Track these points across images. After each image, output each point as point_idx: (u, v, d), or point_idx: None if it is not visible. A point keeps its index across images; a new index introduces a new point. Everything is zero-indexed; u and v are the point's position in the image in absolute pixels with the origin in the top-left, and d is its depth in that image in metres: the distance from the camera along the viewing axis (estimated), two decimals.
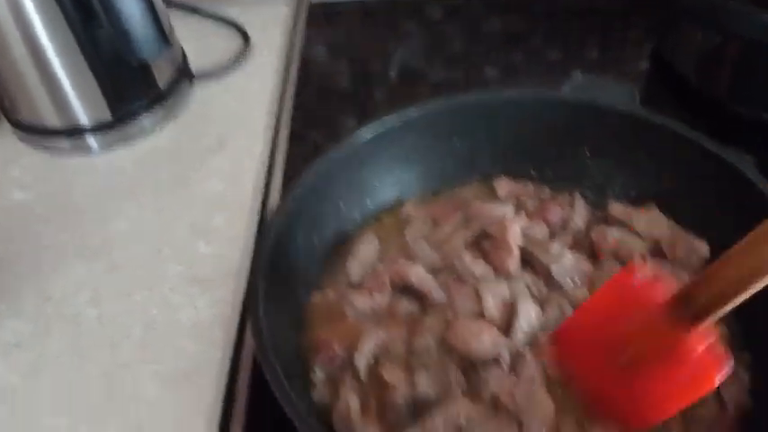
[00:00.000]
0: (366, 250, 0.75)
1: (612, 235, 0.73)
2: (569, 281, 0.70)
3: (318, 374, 0.65)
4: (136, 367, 0.71)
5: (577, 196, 0.78)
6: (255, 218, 0.86)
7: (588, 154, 0.80)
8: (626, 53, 1.12)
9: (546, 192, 0.80)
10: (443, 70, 1.11)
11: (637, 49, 1.12)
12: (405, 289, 0.70)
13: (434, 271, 0.71)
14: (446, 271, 0.72)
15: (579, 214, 0.76)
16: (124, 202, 0.88)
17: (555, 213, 0.76)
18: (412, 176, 0.81)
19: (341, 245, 0.76)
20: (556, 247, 0.71)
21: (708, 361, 0.50)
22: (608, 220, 0.76)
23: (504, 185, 0.81)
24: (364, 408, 0.60)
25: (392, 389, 0.61)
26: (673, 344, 0.50)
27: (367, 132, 0.77)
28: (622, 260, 0.71)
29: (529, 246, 0.72)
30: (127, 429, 0.66)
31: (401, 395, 0.61)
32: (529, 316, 0.66)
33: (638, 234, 0.73)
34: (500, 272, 0.71)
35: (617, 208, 0.76)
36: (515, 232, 0.72)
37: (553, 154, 0.81)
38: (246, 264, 0.78)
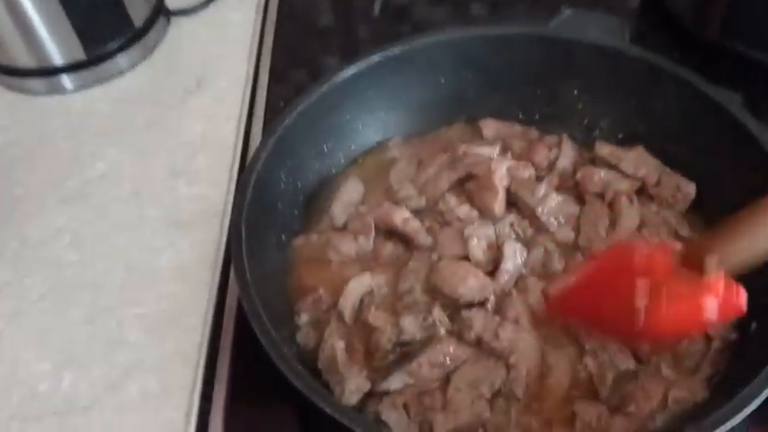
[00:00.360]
0: (350, 193, 0.74)
1: (599, 176, 0.72)
2: (554, 222, 0.70)
3: (303, 318, 0.65)
4: (119, 311, 0.70)
5: (565, 137, 0.76)
6: (237, 159, 0.84)
7: (576, 93, 0.78)
8: None
9: (533, 133, 0.79)
10: (428, 7, 1.08)
11: None
12: (389, 232, 0.70)
13: (419, 213, 0.71)
14: (431, 213, 0.71)
15: (566, 155, 0.75)
16: (101, 143, 0.86)
17: (542, 154, 0.75)
18: (396, 117, 0.80)
19: (324, 188, 0.75)
20: (542, 188, 0.71)
21: (729, 292, 0.51)
22: (595, 162, 0.75)
23: (490, 126, 0.79)
24: (350, 351, 0.61)
25: (378, 332, 0.61)
26: (691, 290, 0.51)
27: (350, 71, 0.75)
28: (608, 201, 0.71)
29: (515, 187, 0.71)
30: (112, 374, 0.66)
31: (387, 338, 0.61)
32: (514, 258, 0.66)
33: (624, 174, 0.72)
34: (485, 213, 0.70)
35: (604, 148, 0.75)
36: (501, 173, 0.71)
37: (541, 93, 0.79)
38: (229, 205, 0.77)
